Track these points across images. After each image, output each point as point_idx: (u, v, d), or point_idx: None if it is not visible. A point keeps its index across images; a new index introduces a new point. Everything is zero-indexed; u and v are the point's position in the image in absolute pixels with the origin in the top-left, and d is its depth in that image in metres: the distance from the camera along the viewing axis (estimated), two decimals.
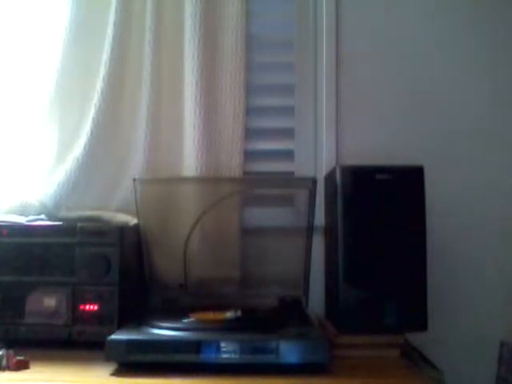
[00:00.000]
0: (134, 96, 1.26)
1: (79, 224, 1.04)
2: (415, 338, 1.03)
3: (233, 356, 0.84)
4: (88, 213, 1.18)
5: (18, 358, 0.87)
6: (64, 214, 1.20)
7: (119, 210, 1.21)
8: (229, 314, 1.00)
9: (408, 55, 1.31)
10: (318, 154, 1.30)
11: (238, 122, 1.25)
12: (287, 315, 1.03)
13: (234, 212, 1.23)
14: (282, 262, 1.18)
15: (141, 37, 1.25)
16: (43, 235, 1.03)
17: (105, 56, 1.23)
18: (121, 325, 0.98)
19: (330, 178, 1.09)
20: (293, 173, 1.31)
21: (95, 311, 1.00)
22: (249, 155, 1.28)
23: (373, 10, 1.31)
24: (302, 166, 1.31)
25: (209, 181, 1.24)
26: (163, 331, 0.90)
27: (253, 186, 1.29)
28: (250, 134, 1.29)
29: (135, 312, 1.04)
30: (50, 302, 1.01)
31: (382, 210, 0.99)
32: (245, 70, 1.26)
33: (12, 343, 0.92)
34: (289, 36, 1.33)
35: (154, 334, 0.90)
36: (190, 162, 1.23)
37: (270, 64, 1.33)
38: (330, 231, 1.12)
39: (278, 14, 1.35)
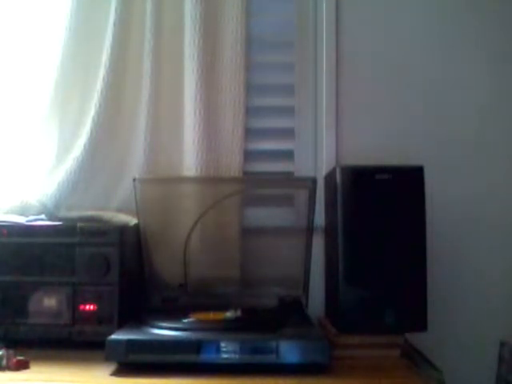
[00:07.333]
0: (134, 96, 1.26)
1: (79, 224, 1.04)
2: (415, 338, 1.03)
3: (233, 356, 0.84)
4: (88, 213, 1.18)
5: (18, 358, 0.87)
6: (64, 213, 1.19)
7: (119, 209, 1.21)
8: (229, 314, 1.00)
9: (408, 55, 1.31)
10: (318, 153, 1.30)
11: (238, 121, 1.25)
12: (287, 315, 1.03)
13: (234, 212, 1.23)
14: (282, 262, 1.18)
15: (141, 37, 1.25)
16: (43, 235, 1.03)
17: (105, 56, 1.23)
18: (121, 325, 0.97)
19: (330, 177, 1.09)
20: (293, 173, 1.31)
21: (95, 311, 1.00)
22: (249, 155, 1.28)
23: (373, 10, 1.31)
24: (301, 166, 1.31)
25: (209, 181, 1.24)
26: (163, 331, 0.90)
27: (253, 186, 1.29)
28: (250, 134, 1.28)
29: (135, 312, 1.04)
30: (50, 301, 1.01)
31: (381, 210, 0.99)
32: (245, 69, 1.26)
33: (12, 343, 0.92)
34: (289, 36, 1.33)
35: (153, 333, 0.90)
36: (189, 162, 1.23)
37: (269, 64, 1.33)
38: (329, 231, 1.12)
39: (278, 13, 1.35)
